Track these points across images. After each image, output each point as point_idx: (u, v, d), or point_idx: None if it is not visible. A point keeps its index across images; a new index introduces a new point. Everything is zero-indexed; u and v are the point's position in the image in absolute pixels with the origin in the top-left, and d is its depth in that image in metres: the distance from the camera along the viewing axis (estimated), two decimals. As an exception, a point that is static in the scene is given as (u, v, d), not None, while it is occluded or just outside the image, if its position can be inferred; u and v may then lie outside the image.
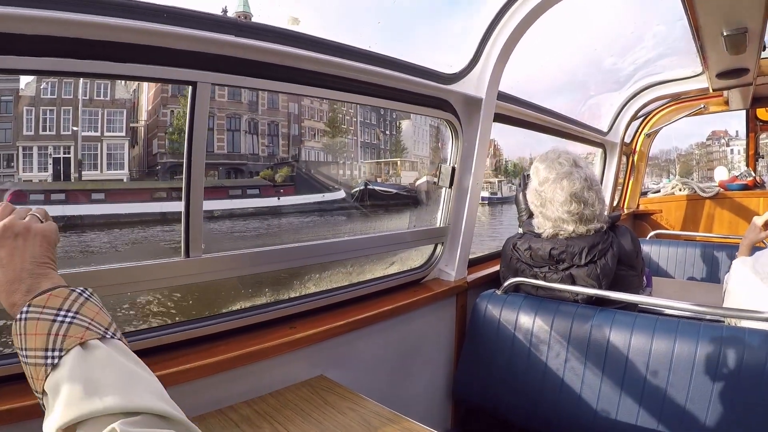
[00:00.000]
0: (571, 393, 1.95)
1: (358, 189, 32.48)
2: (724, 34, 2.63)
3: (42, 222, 0.92)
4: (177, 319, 1.64)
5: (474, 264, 2.80)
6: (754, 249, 2.27)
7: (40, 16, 1.07)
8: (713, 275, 3.78)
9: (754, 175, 6.13)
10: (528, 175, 2.40)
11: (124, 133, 26.74)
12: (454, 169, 2.38)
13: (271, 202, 26.37)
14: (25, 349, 0.76)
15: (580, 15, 2.71)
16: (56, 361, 0.74)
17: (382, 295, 2.17)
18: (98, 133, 26.15)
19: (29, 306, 0.78)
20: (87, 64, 1.19)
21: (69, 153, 25.75)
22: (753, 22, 2.50)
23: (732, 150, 53.00)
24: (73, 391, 0.71)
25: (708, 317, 2.08)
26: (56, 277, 0.87)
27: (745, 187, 5.97)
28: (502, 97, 2.50)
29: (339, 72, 1.75)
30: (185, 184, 1.47)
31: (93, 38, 1.17)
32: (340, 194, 29.39)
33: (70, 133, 24.61)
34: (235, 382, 1.54)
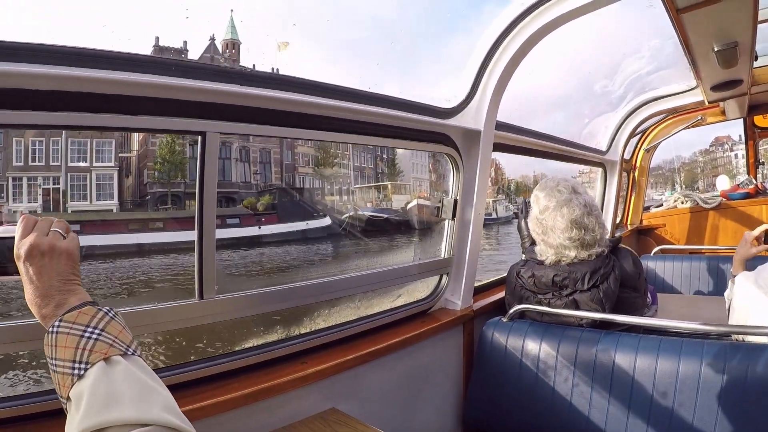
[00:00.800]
0: (579, 416, 2.03)
1: (347, 215, 32.81)
2: (715, 49, 2.75)
3: (65, 237, 1.02)
4: (191, 357, 1.73)
5: (479, 291, 2.88)
6: (753, 262, 2.36)
7: (54, 74, 1.17)
8: (720, 288, 3.77)
9: (755, 182, 6.19)
10: (528, 203, 2.51)
11: (113, 164, 26.86)
12: (456, 201, 2.49)
13: (251, 231, 26.30)
14: (55, 359, 0.87)
15: (572, 39, 2.80)
16: (82, 372, 0.85)
17: (391, 327, 2.25)
18: (87, 164, 26.28)
19: (60, 321, 0.90)
20: (99, 118, 1.29)
21: (58, 183, 25.86)
22: (742, 36, 2.63)
23: (736, 155, 53.36)
24: (94, 400, 0.82)
25: (713, 334, 2.15)
26: (82, 293, 0.98)
27: (747, 196, 6.02)
28: (500, 126, 2.60)
29: (341, 114, 1.86)
30: (197, 228, 1.56)
31: (104, 92, 1.27)
32: (325, 221, 29.01)
33: (59, 163, 24.76)
34: (249, 417, 1.61)
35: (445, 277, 2.58)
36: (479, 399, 2.33)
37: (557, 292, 2.25)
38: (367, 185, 39.04)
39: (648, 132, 5.69)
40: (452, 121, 2.33)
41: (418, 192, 39.65)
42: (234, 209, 29.13)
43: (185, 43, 31.78)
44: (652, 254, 4.56)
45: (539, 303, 2.30)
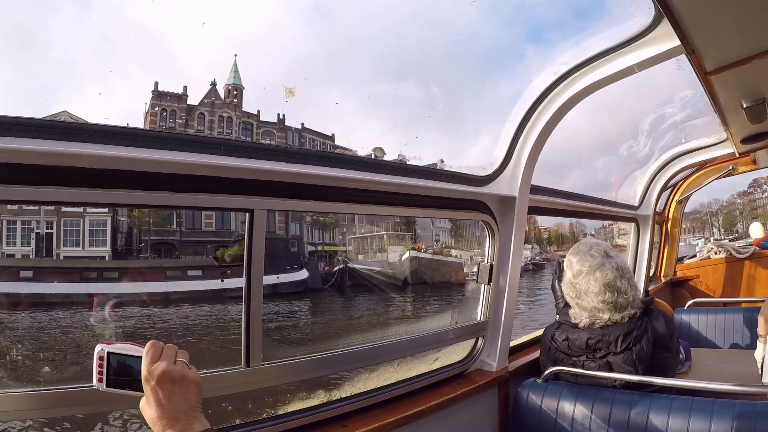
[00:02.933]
0: (615, 478, 2.18)
1: (337, 268, 32.11)
2: (744, 106, 2.92)
3: (190, 368, 1.22)
4: (236, 421, 1.91)
5: (514, 351, 3.04)
6: None
7: (109, 155, 1.36)
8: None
9: None
10: (562, 264, 2.71)
11: (106, 210, 27.16)
12: (492, 266, 2.71)
13: (213, 284, 25.48)
14: None
15: (602, 103, 3.01)
16: None
17: (429, 390, 2.42)
18: (80, 209, 26.62)
19: None
20: (151, 196, 1.48)
21: (51, 228, 26.21)
22: None
23: (777, 197, 53.18)
24: None
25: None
26: (204, 421, 1.19)
27: None
28: (534, 189, 2.83)
29: (380, 188, 2.08)
30: (245, 299, 1.77)
31: (156, 171, 1.47)
32: (301, 275, 28.17)
33: (53, 208, 25.16)
34: (291, 482, 1.77)
35: (480, 339, 2.77)
36: (516, 460, 2.48)
37: (591, 354, 2.43)
38: (365, 234, 38.77)
39: (679, 184, 5.90)
40: (487, 189, 2.57)
41: (416, 243, 39.09)
42: (196, 260, 28.72)
43: (185, 88, 32.27)
44: (686, 307, 4.67)
45: (573, 365, 2.47)
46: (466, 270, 36.92)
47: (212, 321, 22.22)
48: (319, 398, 2.20)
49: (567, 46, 2.57)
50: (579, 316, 2.50)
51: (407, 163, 2.21)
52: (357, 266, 33.31)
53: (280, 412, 1.98)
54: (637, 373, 2.29)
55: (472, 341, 2.79)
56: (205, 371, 1.67)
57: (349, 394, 2.19)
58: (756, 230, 6.61)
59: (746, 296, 5.78)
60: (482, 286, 2.76)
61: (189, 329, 21.03)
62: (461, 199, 2.49)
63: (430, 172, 2.32)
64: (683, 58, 2.28)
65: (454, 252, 41.16)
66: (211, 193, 1.61)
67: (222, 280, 25.87)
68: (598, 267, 2.44)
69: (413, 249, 37.01)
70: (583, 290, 2.45)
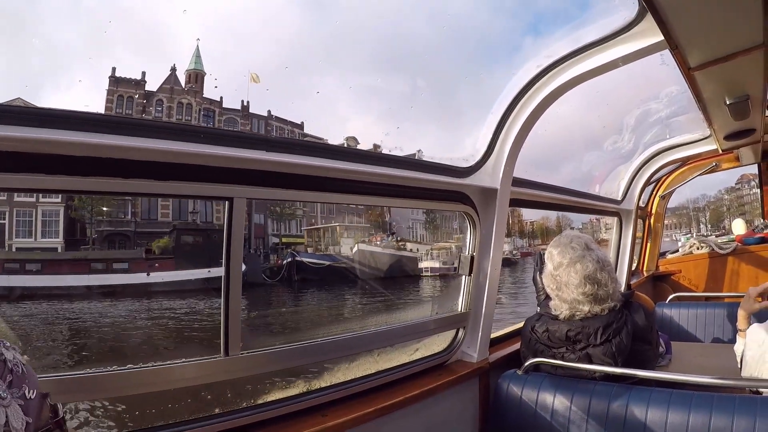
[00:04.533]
0: (593, 467, 2.30)
1: (286, 262, 31.55)
2: (727, 102, 3.06)
3: None
4: (215, 410, 1.98)
5: (495, 343, 3.15)
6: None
7: (87, 142, 1.41)
8: None
9: None
10: (543, 256, 2.83)
11: (59, 199, 26.75)
12: (473, 257, 2.82)
13: (137, 278, 24.86)
14: None
15: (585, 95, 3.12)
16: None
17: (409, 380, 2.52)
18: (33, 198, 26.20)
19: None
20: (130, 183, 1.54)
21: (3, 219, 25.79)
22: (754, 90, 2.94)
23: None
24: None
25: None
26: None
27: (762, 240, 6.34)
28: (517, 182, 2.94)
29: (362, 177, 2.17)
30: (224, 288, 1.84)
31: (137, 159, 1.53)
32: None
33: (4, 197, 24.73)
34: (271, 469, 1.84)
35: (461, 331, 2.88)
36: (495, 450, 2.60)
37: (571, 346, 2.54)
38: (318, 226, 38.54)
39: (663, 180, 6.09)
40: (469, 180, 2.67)
41: (372, 236, 38.97)
42: (123, 252, 28.04)
43: (143, 73, 31.78)
44: (667, 301, 4.85)
45: (553, 356, 2.59)
46: (423, 265, 37.10)
47: (129, 319, 21.63)
48: (298, 388, 2.27)
49: (551, 39, 2.67)
50: (559, 307, 2.60)
51: (390, 153, 2.27)
52: (305, 260, 33.08)
53: (260, 402, 2.05)
54: (616, 365, 2.40)
55: (452, 332, 2.89)
56: (184, 360, 1.75)
57: (328, 384, 2.26)
58: (738, 227, 6.73)
59: (729, 292, 5.92)
60: (463, 277, 2.87)
61: (101, 326, 20.49)
62: (443, 190, 2.58)
63: (413, 163, 2.40)
64: (667, 54, 2.37)
65: (410, 246, 40.62)
66: (191, 181, 1.66)
67: (148, 274, 25.52)
68: (579, 259, 2.55)
69: (363, 242, 36.73)
70: (564, 282, 2.56)
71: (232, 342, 1.84)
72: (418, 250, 40.24)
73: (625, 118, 4.24)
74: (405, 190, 2.39)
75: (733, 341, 2.92)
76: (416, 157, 2.59)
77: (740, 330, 2.73)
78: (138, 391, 1.69)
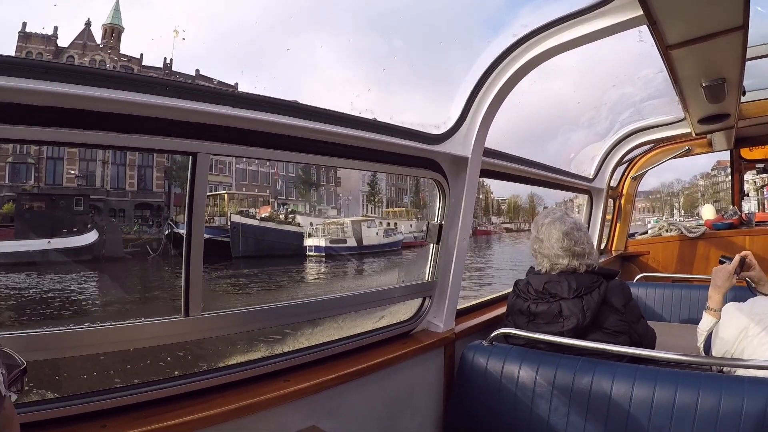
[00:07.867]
0: (557, 438, 2.24)
1: (164, 234, 28.27)
2: (703, 84, 3.00)
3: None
4: (175, 372, 1.87)
5: (462, 314, 3.09)
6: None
7: (49, 90, 1.31)
8: None
9: (740, 213, 6.54)
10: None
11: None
12: (441, 225, 2.72)
13: None
14: None
15: (562, 68, 3.03)
16: None
17: (373, 348, 2.44)
18: None
19: None
20: (92, 135, 1.44)
21: None
22: (730, 73, 2.89)
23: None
24: None
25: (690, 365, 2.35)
26: None
27: (731, 226, 6.36)
28: (488, 153, 2.87)
29: (331, 138, 2.06)
30: (186, 246, 1.73)
31: (99, 110, 1.42)
32: (87, 238, 23.63)
33: None
34: (230, 434, 1.75)
35: (427, 300, 2.79)
36: (458, 420, 2.53)
37: (546, 297, 2.59)
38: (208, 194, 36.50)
39: (635, 161, 6.04)
40: (440, 147, 2.56)
41: (260, 207, 35.69)
42: None
43: (56, 29, 30.43)
44: (634, 281, 4.83)
45: (528, 310, 2.61)
46: (308, 243, 33.28)
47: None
48: (261, 352, 2.18)
49: (528, 10, 2.61)
50: (541, 263, 2.75)
51: (360, 116, 2.16)
52: (182, 232, 30.46)
53: (221, 365, 1.96)
54: (584, 320, 2.47)
55: (418, 301, 2.81)
56: (143, 320, 1.65)
57: (291, 349, 2.18)
58: (708, 212, 6.75)
59: (698, 275, 5.90)
60: (431, 246, 2.78)
61: None
62: (413, 156, 2.48)
63: (384, 127, 2.31)
64: (645, 31, 2.31)
65: (300, 219, 36.98)
66: (155, 134, 1.57)
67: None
68: (558, 219, 2.76)
69: (240, 213, 32.93)
70: (545, 238, 2.73)
71: (192, 302, 1.74)
72: (311, 224, 36.10)
73: (602, 96, 4.18)
74: (375, 153, 2.29)
75: (697, 322, 2.85)
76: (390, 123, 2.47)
77: (710, 309, 2.64)
78: (96, 351, 1.59)
